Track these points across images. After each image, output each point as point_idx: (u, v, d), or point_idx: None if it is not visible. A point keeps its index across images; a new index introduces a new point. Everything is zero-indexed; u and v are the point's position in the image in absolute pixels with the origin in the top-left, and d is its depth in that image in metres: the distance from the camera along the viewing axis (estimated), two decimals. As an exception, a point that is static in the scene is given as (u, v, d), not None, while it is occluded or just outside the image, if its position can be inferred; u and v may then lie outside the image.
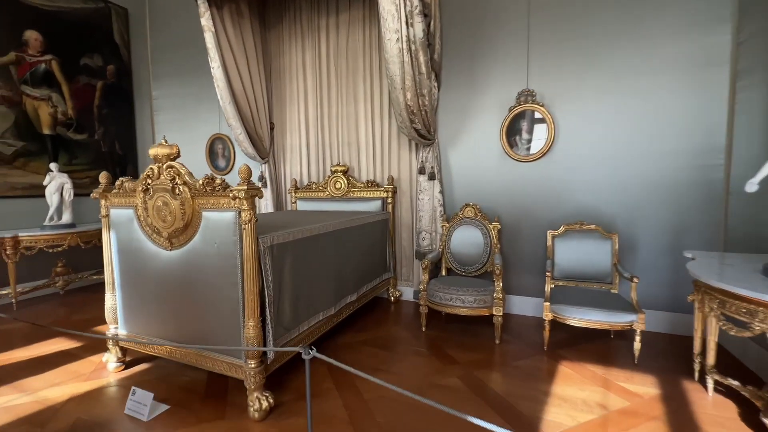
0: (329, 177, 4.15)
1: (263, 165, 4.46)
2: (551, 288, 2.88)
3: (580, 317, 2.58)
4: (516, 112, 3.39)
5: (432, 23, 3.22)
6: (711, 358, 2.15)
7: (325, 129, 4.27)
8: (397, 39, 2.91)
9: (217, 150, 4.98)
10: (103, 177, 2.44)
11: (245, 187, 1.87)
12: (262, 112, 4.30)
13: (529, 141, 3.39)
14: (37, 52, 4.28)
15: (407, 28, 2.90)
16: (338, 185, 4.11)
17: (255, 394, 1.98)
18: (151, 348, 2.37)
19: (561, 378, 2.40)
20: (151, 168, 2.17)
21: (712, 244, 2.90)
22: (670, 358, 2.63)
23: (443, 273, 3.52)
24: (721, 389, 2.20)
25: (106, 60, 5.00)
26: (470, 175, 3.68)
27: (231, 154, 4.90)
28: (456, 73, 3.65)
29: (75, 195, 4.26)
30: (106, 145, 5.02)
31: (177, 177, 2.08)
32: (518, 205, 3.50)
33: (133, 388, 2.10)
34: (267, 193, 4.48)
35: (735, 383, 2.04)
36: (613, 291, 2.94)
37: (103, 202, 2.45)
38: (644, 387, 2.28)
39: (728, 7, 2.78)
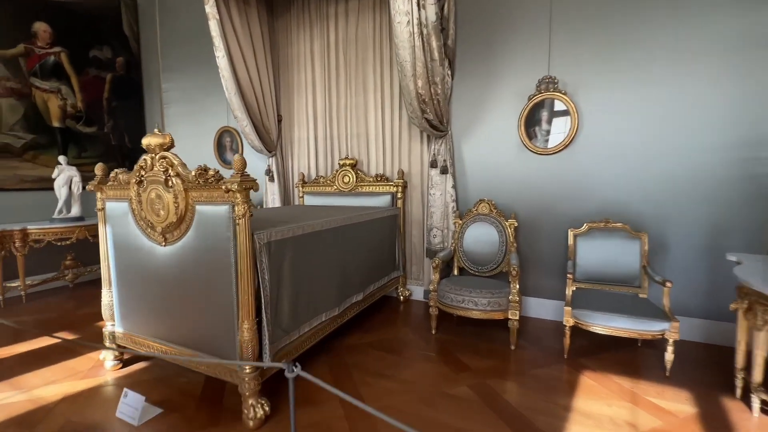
0: (337, 171, 4.00)
1: (270, 158, 4.34)
2: (572, 291, 2.66)
3: (605, 324, 2.36)
4: (536, 101, 3.15)
5: (446, 6, 3.02)
6: (758, 375, 1.90)
7: (334, 121, 4.11)
8: (408, 22, 2.71)
9: (225, 143, 4.89)
10: (98, 168, 2.34)
11: (238, 179, 1.73)
12: (269, 103, 4.17)
13: (550, 132, 3.15)
14: (46, 44, 4.26)
15: (419, 10, 2.70)
16: (346, 179, 3.95)
17: (250, 401, 1.85)
18: (146, 348, 2.27)
19: (583, 390, 2.19)
20: (144, 158, 2.05)
21: (756, 246, 2.61)
22: (706, 371, 2.39)
23: (455, 272, 3.33)
24: (769, 410, 1.96)
25: (116, 52, 4.96)
26: (485, 169, 3.46)
27: (239, 147, 4.80)
28: (471, 59, 3.42)
29: (84, 188, 4.24)
30: (115, 139, 4.99)
31: (170, 168, 1.96)
32: (537, 201, 3.27)
33: (125, 390, 2.00)
34: (274, 187, 4.36)
35: (787, 405, 1.80)
36: (641, 296, 2.70)
37: (99, 194, 2.36)
38: (678, 404, 2.05)
39: (781, -20, 2.48)
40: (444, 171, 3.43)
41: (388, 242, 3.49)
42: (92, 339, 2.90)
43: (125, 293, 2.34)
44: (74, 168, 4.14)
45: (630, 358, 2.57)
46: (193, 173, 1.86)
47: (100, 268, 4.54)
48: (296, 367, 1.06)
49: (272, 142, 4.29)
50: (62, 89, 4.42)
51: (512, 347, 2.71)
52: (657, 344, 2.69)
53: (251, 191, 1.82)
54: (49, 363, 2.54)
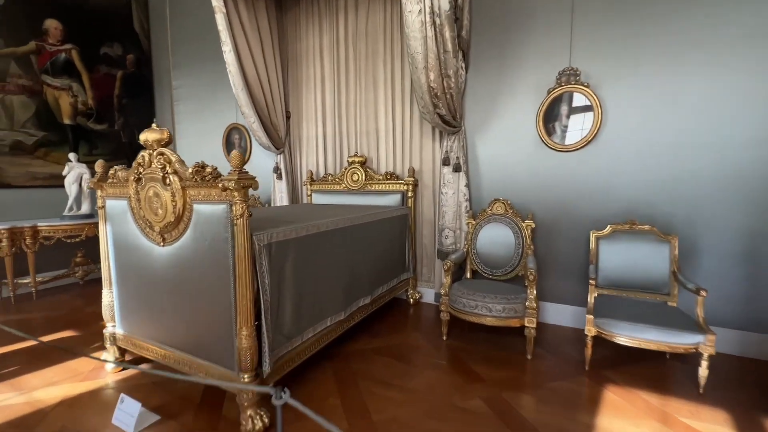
0: (346, 168, 3.88)
1: (278, 156, 4.25)
2: (595, 298, 2.47)
3: (632, 335, 2.17)
4: (556, 94, 2.96)
5: (460, -6, 2.85)
6: (809, 398, 1.70)
7: (343, 117, 3.99)
8: (420, 11, 2.56)
9: (234, 140, 4.83)
10: (99, 166, 2.28)
11: (236, 177, 1.62)
12: (278, 99, 4.08)
13: (571, 128, 2.95)
14: (57, 41, 4.26)
15: (431, -2, 2.55)
16: (355, 177, 3.83)
17: (248, 412, 1.75)
18: (145, 351, 2.20)
19: (607, 407, 2.02)
20: (142, 155, 1.97)
21: (801, 251, 2.39)
22: (744, 389, 2.18)
23: (468, 275, 3.18)
24: (820, 436, 1.75)
25: (126, 49, 4.95)
26: (501, 167, 3.29)
27: (247, 145, 4.73)
28: (487, 51, 3.24)
29: (93, 185, 4.23)
30: (126, 136, 4.99)
31: (168, 165, 1.86)
32: (556, 200, 3.08)
33: (121, 395, 1.92)
34: (282, 185, 4.27)
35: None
36: (670, 304, 2.50)
37: (99, 192, 2.29)
38: (715, 425, 1.86)
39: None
40: (457, 169, 3.27)
41: (397, 243, 3.35)
42: (96, 338, 2.85)
43: (125, 294, 2.27)
44: (84, 165, 4.14)
45: (658, 372, 2.37)
46: (190, 170, 1.76)
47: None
48: (285, 393, 0.93)
49: (280, 140, 4.19)
50: (73, 86, 4.42)
51: (528, 357, 2.54)
52: (688, 358, 2.49)
53: (256, 189, 1.72)
54: (50, 363, 2.50)
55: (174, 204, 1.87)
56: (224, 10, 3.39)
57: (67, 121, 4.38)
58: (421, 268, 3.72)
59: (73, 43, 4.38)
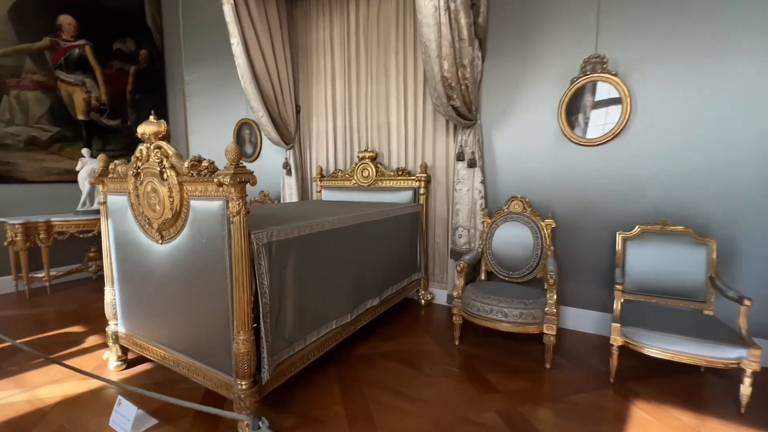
0: (356, 164, 3.75)
1: (288, 151, 4.16)
2: (621, 304, 2.28)
3: (664, 347, 1.98)
4: (580, 84, 2.75)
5: (477, -23, 2.67)
6: None
7: (353, 111, 3.86)
8: (433, -5, 2.40)
9: (245, 135, 4.77)
10: (101, 160, 2.22)
11: (231, 172, 1.51)
12: (287, 93, 3.98)
13: (595, 120, 2.74)
14: (71, 37, 4.27)
15: (446, -19, 2.38)
16: (366, 173, 3.70)
17: (245, 421, 1.65)
18: (146, 351, 2.14)
19: (635, 424, 1.84)
20: (140, 149, 1.89)
21: None
22: (792, 410, 1.96)
23: (482, 277, 3.01)
24: None
25: (139, 45, 4.94)
26: (519, 162, 3.10)
27: (258, 140, 4.66)
28: (505, 38, 3.05)
29: (105, 181, 4.24)
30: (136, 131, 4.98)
31: (165, 159, 1.78)
32: (578, 198, 2.88)
33: (119, 398, 1.86)
34: (292, 181, 4.19)
35: None
36: (706, 312, 2.28)
37: (101, 187, 2.23)
38: (760, 452, 1.66)
39: None
40: (472, 164, 3.10)
41: (408, 242, 3.21)
42: (103, 334, 2.83)
43: (126, 292, 2.21)
44: (96, 160, 4.14)
45: (692, 387, 2.17)
46: (186, 164, 1.67)
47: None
48: (262, 422, 0.80)
49: (290, 135, 4.10)
50: (87, 82, 4.43)
51: (547, 365, 2.37)
52: (727, 372, 2.26)
53: (254, 185, 1.61)
54: (54, 360, 2.47)
55: (171, 200, 1.78)
56: (232, 1, 3.30)
57: (80, 116, 4.40)
58: (434, 269, 3.57)
59: (86, 38, 4.39)
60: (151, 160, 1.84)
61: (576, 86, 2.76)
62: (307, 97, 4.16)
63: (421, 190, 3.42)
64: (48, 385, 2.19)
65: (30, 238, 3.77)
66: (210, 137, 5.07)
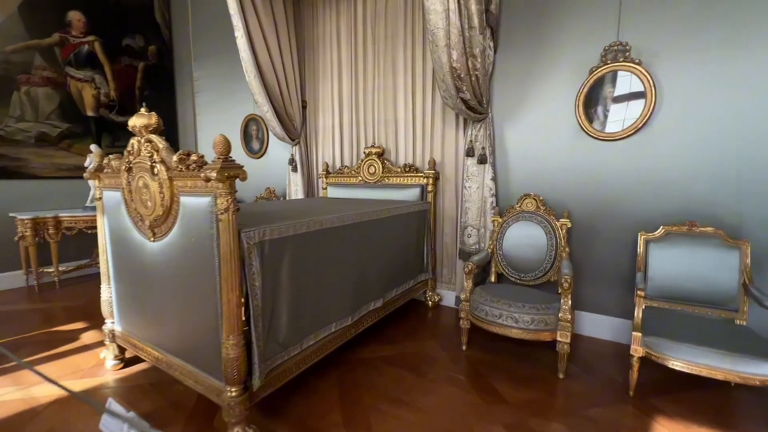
0: (362, 160, 3.64)
1: (294, 147, 4.08)
2: (643, 311, 2.10)
3: (691, 360, 1.80)
4: (600, 74, 2.56)
5: (489, -40, 2.52)
6: None
7: (360, 105, 3.74)
8: (441, -21, 2.26)
9: (251, 131, 4.71)
10: (96, 155, 2.16)
11: (218, 166, 1.42)
12: (293, 88, 3.89)
13: (616, 113, 2.55)
14: (80, 33, 4.28)
15: (455, -36, 2.24)
16: (372, 170, 3.58)
17: (235, 429, 1.57)
18: (140, 351, 2.08)
19: (658, 446, 1.68)
20: (132, 142, 1.82)
21: None
22: (838, 433, 1.76)
23: (492, 279, 2.87)
24: None
25: (148, 40, 4.93)
26: (532, 158, 2.93)
27: (265, 136, 4.60)
28: (519, 27, 2.88)
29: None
30: (147, 128, 4.99)
31: (155, 153, 1.70)
32: (596, 197, 2.70)
33: (109, 400, 1.79)
34: (297, 178, 4.11)
35: None
36: (739, 322, 2.09)
37: (96, 182, 2.18)
38: (802, 482, 1.48)
39: None
40: (482, 160, 2.95)
41: (415, 241, 3.08)
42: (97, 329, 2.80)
43: (122, 290, 2.16)
44: (104, 157, 4.15)
45: (721, 403, 1.98)
46: (174, 158, 1.58)
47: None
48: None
49: (295, 130, 4.02)
50: (96, 78, 4.44)
51: (560, 375, 2.22)
52: (763, 390, 2.07)
53: (244, 180, 1.51)
54: (55, 357, 2.46)
55: (162, 196, 1.70)
56: (235, -7, 3.22)
57: (90, 113, 4.41)
58: (441, 269, 3.43)
59: (95, 34, 4.40)
60: (142, 154, 1.76)
61: (595, 76, 2.58)
62: (313, 92, 4.07)
63: (429, 188, 3.28)
64: (44, 384, 2.15)
65: (39, 234, 3.80)
66: (218, 133, 5.03)
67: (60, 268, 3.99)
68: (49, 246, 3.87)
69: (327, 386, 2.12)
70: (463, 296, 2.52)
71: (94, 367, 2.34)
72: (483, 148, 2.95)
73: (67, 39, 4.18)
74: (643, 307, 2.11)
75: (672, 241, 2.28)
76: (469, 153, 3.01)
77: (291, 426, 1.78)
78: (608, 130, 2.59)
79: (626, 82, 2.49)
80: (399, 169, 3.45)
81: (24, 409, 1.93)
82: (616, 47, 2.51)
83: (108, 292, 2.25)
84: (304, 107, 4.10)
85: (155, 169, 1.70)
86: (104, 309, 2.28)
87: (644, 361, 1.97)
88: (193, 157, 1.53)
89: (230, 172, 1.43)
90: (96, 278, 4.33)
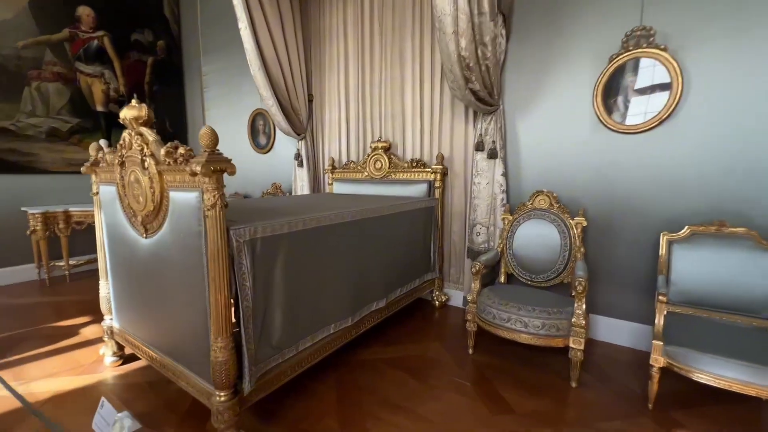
0: (369, 155, 3.54)
1: (300, 142, 4.00)
2: (665, 317, 1.94)
3: (720, 374, 1.64)
4: (621, 61, 2.38)
5: (501, -60, 2.36)
6: None
7: (367, 99, 3.63)
8: (449, -39, 2.12)
9: (258, 126, 4.66)
10: (92, 148, 2.13)
11: (203, 159, 1.33)
12: (299, 81, 3.81)
13: (638, 103, 2.37)
14: (90, 29, 4.30)
15: (463, -56, 2.10)
16: (378, 165, 3.48)
17: (225, 435, 1.50)
18: (136, 349, 2.04)
19: (680, 466, 1.54)
20: (124, 136, 1.76)
21: None
22: None
23: (501, 279, 2.73)
24: None
25: (157, 35, 4.93)
26: (546, 153, 2.77)
27: (271, 131, 4.54)
28: (533, 12, 2.71)
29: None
30: (156, 123, 5.00)
31: (145, 147, 1.63)
32: (615, 194, 2.53)
33: (102, 400, 1.76)
34: (303, 173, 4.03)
35: None
36: (773, 332, 1.90)
37: (93, 177, 2.15)
38: None
39: None
40: (492, 155, 2.81)
41: (421, 239, 2.97)
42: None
43: (118, 287, 2.13)
44: (113, 152, 4.16)
45: (751, 420, 1.82)
46: (162, 152, 1.51)
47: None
48: None
49: (301, 125, 3.94)
50: (105, 73, 4.46)
51: (573, 384, 2.08)
52: (796, 404, 1.89)
53: (232, 174, 1.43)
54: (56, 352, 2.45)
55: (152, 191, 1.64)
56: (239, -17, 3.14)
57: (99, 108, 4.44)
58: (449, 268, 3.31)
59: (104, 30, 4.41)
60: (133, 148, 1.70)
61: (615, 64, 2.40)
62: (319, 86, 3.98)
63: (437, 183, 3.16)
64: (43, 379, 2.14)
65: (49, 228, 3.84)
66: (227, 129, 5.01)
67: (70, 262, 4.04)
68: (59, 240, 3.92)
69: (325, 389, 2.04)
70: (469, 297, 2.40)
71: (94, 363, 2.33)
72: (493, 142, 2.80)
73: (77, 34, 4.20)
74: (665, 313, 1.95)
75: (698, 242, 2.10)
76: (479, 147, 2.87)
77: (285, 431, 1.71)
78: (629, 122, 2.41)
79: (650, 70, 2.30)
80: (406, 165, 3.33)
81: (17, 407, 1.91)
82: (639, 32, 2.32)
83: (106, 288, 2.23)
84: (310, 101, 4.02)
85: (145, 163, 1.64)
86: (103, 305, 2.26)
87: (665, 371, 1.82)
88: (181, 150, 1.46)
89: (216, 165, 1.35)
90: (106, 272, 4.38)
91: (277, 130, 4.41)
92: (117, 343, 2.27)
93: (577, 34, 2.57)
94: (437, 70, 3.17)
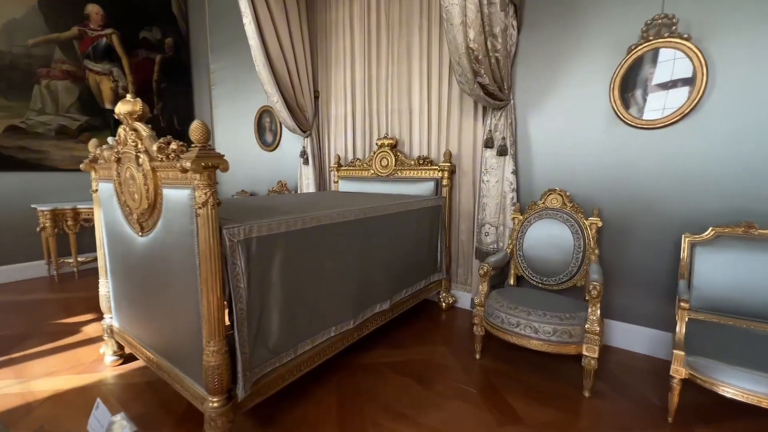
0: (375, 153, 3.46)
1: (305, 139, 3.94)
2: (686, 324, 1.82)
3: (750, 389, 1.52)
4: (640, 52, 2.25)
5: (512, -75, 2.25)
6: None
7: (373, 95, 3.55)
8: (457, -52, 2.02)
9: (265, 123, 4.62)
10: (91, 145, 2.09)
11: (194, 155, 1.27)
12: (304, 78, 3.74)
13: (658, 97, 2.24)
14: (98, 26, 4.31)
15: (472, -71, 1.99)
16: (384, 162, 3.39)
17: (217, 442, 1.44)
18: (134, 349, 2.01)
19: (703, 487, 1.42)
20: (119, 131, 1.72)
21: None
22: None
23: (511, 282, 2.63)
24: None
25: (165, 33, 4.93)
26: (558, 149, 2.65)
27: (277, 128, 4.50)
28: (546, 2, 2.59)
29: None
30: (164, 121, 5.02)
31: (139, 142, 1.58)
32: (632, 193, 2.40)
33: (97, 401, 1.72)
34: (309, 171, 3.98)
35: None
36: (806, 342, 1.76)
37: (92, 174, 2.12)
38: None
39: None
40: (502, 152, 2.70)
41: (428, 239, 2.88)
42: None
43: (116, 286, 2.10)
44: (121, 149, 4.17)
45: (781, 437, 1.68)
46: (155, 147, 1.46)
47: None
48: None
49: (307, 122, 3.88)
50: (114, 71, 4.48)
51: (586, 393, 1.97)
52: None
53: (225, 171, 1.37)
54: (57, 350, 2.44)
55: (147, 188, 1.60)
56: (243, -23, 3.09)
57: (108, 105, 4.45)
58: (457, 269, 3.21)
59: (113, 27, 4.42)
60: (128, 143, 1.66)
61: (634, 55, 2.27)
62: (325, 82, 3.91)
63: (444, 181, 3.06)
64: (43, 378, 2.13)
65: (58, 225, 3.87)
66: (234, 126, 4.99)
67: (79, 259, 4.07)
68: (68, 237, 3.95)
69: (325, 393, 1.98)
70: (477, 300, 2.30)
71: (94, 362, 2.31)
72: (503, 138, 2.69)
73: (86, 32, 4.22)
74: (687, 320, 1.82)
75: (723, 244, 1.96)
76: (488, 144, 2.76)
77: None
78: (647, 117, 2.28)
79: (671, 61, 2.17)
80: (413, 162, 3.24)
81: (19, 404, 1.90)
82: (660, 21, 2.19)
83: (106, 287, 2.20)
84: (316, 97, 3.96)
85: (140, 159, 1.59)
86: (102, 304, 2.23)
87: (686, 382, 1.70)
88: (173, 146, 1.40)
89: (208, 161, 1.29)
90: (114, 269, 4.40)
91: (284, 128, 4.36)
92: (117, 342, 2.24)
93: (593, 24, 2.44)
94: (445, 65, 3.07)
